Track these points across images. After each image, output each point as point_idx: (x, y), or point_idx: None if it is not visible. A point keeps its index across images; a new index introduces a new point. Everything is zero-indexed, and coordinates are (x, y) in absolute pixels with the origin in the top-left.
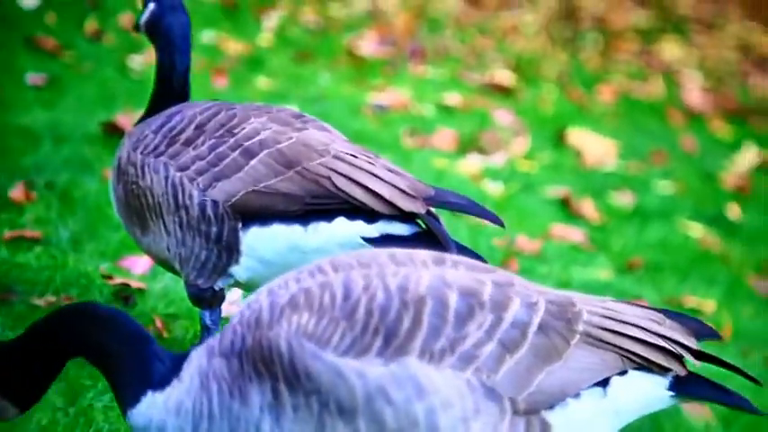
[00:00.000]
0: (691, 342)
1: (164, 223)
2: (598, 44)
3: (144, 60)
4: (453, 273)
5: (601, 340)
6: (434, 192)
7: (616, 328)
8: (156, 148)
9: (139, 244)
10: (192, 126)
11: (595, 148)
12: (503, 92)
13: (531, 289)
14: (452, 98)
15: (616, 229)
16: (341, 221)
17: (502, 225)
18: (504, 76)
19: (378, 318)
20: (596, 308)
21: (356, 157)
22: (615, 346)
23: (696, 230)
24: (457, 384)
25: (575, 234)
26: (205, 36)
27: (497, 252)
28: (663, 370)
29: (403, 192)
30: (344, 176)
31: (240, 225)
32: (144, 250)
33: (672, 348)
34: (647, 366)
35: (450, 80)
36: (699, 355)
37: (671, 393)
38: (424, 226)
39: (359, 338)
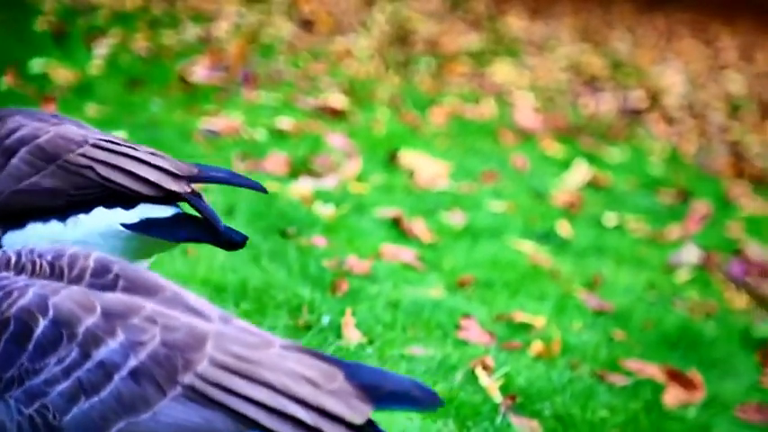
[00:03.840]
0: (355, 412)
1: None
2: (431, 67)
3: None
4: (72, 292)
5: (210, 398)
6: (197, 169)
7: (237, 388)
8: None
9: None
10: None
11: (427, 168)
12: (336, 115)
13: (159, 323)
14: (285, 122)
15: (447, 248)
16: (99, 211)
17: (264, 191)
18: (337, 100)
19: None
20: (231, 358)
21: (117, 144)
22: (228, 407)
23: (526, 247)
24: (17, 419)
25: (405, 254)
26: (35, 64)
27: (327, 273)
28: None
29: (168, 173)
30: (107, 164)
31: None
32: None
33: (307, 419)
34: None
35: (283, 104)
36: (359, 429)
37: None
38: (187, 206)
39: None
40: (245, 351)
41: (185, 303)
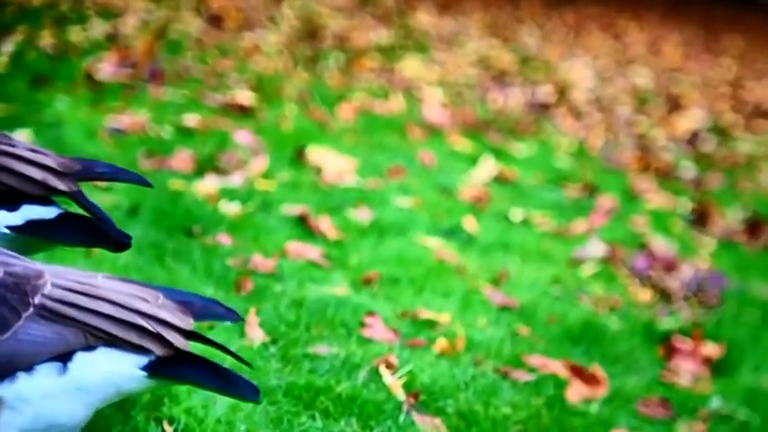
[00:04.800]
0: (183, 322)
1: None
2: (340, 62)
3: None
4: None
5: (61, 314)
6: (80, 165)
7: (82, 303)
8: None
9: None
10: None
11: (334, 165)
12: (243, 112)
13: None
14: (191, 119)
15: (353, 245)
16: None
17: (149, 185)
18: (245, 97)
19: None
20: (70, 282)
21: None
22: (78, 321)
23: (432, 243)
24: None
25: (311, 251)
26: None
27: (232, 271)
28: (137, 348)
29: (54, 170)
30: None
31: None
32: None
33: (148, 326)
34: (117, 343)
35: (190, 101)
36: (189, 334)
37: (144, 373)
38: (70, 204)
39: None
40: (80, 278)
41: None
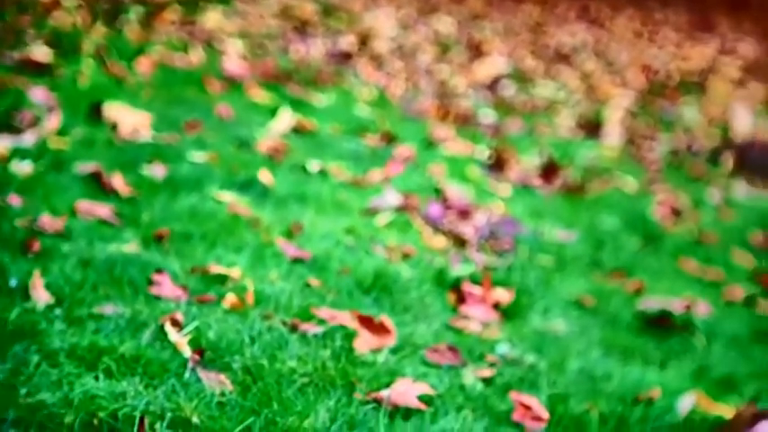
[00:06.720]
0: None
1: None
2: (140, 16)
3: None
4: None
5: None
6: None
7: None
8: None
9: None
10: None
11: (130, 120)
12: (40, 69)
13: None
14: None
15: (145, 202)
16: None
17: None
18: (42, 53)
19: None
20: None
21: None
22: None
23: (227, 198)
24: None
25: (102, 209)
26: None
27: (19, 231)
28: None
29: None
30: None
31: None
32: None
33: None
34: None
35: None
36: None
37: None
38: None
39: None
40: None
41: None
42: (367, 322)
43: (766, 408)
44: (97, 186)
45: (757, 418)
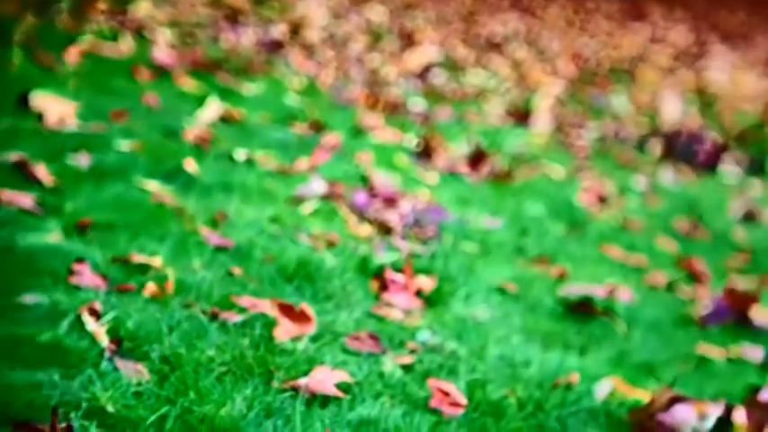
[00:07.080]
0: None
1: None
2: (71, 6)
3: None
4: None
5: None
6: None
7: None
8: None
9: None
10: None
11: (56, 110)
12: None
13: None
14: None
15: (69, 192)
16: None
17: None
18: None
19: None
20: None
21: None
22: None
23: (152, 187)
24: None
25: (24, 199)
26: None
27: None
28: None
29: None
30: None
31: None
32: None
33: None
34: None
35: None
36: None
37: None
38: None
39: None
40: None
41: None
42: (287, 310)
43: (682, 392)
44: (21, 176)
45: (673, 401)
